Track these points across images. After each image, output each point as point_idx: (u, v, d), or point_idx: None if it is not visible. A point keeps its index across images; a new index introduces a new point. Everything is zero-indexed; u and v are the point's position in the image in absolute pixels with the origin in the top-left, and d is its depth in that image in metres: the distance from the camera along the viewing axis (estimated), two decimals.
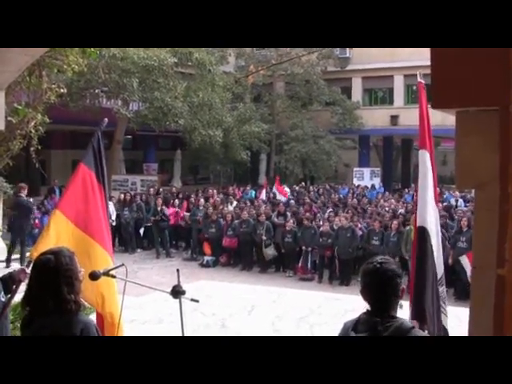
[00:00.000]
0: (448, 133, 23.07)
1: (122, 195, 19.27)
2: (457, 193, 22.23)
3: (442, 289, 4.94)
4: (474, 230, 2.65)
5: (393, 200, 21.61)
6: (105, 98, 23.53)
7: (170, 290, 4.04)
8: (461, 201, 21.18)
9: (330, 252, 14.79)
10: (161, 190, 21.71)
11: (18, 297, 4.05)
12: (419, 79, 5.11)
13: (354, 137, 33.84)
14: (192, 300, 4.10)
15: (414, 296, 4.58)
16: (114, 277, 4.15)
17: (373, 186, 28.28)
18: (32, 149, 10.03)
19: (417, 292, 4.60)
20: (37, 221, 18.10)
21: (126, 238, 18.34)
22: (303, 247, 15.16)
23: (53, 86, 9.87)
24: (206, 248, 16.90)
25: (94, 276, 3.87)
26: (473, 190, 2.77)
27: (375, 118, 32.17)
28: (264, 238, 15.71)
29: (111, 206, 17.66)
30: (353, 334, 3.14)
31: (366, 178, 30.87)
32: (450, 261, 13.14)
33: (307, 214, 16.55)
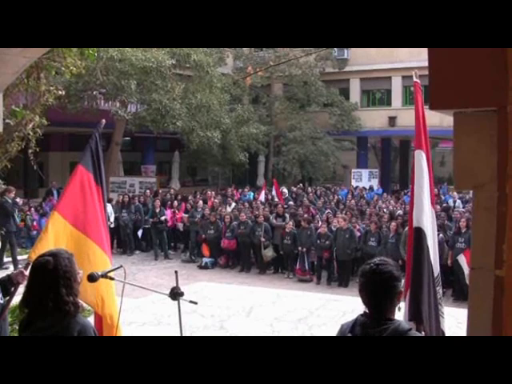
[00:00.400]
0: (446, 134, 23.18)
1: (121, 197, 19.26)
2: (455, 193, 22.24)
3: (439, 288, 4.93)
4: (472, 231, 2.65)
5: (392, 201, 21.62)
6: (103, 100, 23.52)
7: (168, 291, 4.04)
8: (459, 201, 21.18)
9: (328, 253, 14.80)
10: (160, 191, 21.68)
11: (17, 299, 4.05)
12: (415, 79, 5.10)
13: (352, 138, 33.85)
14: (190, 302, 4.11)
15: (411, 297, 4.57)
16: (112, 279, 4.15)
17: (371, 188, 28.29)
18: (30, 151, 10.02)
19: (413, 293, 4.59)
20: (35, 223, 18.09)
21: (125, 240, 18.34)
22: (299, 248, 15.15)
23: (51, 88, 9.87)
24: (205, 250, 16.90)
25: (92, 278, 3.86)
26: (471, 191, 2.77)
27: (373, 120, 32.18)
28: (262, 239, 15.72)
29: (110, 208, 17.65)
30: (349, 335, 3.15)
31: (364, 179, 30.86)
32: (449, 262, 13.14)
33: (305, 215, 16.56)
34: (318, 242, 14.83)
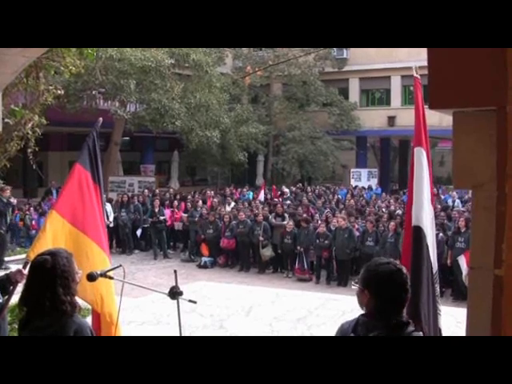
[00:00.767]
0: (445, 133, 23.18)
1: (120, 196, 19.25)
2: (454, 193, 22.25)
3: (436, 286, 4.92)
4: (472, 231, 2.65)
5: (392, 200, 21.63)
6: (102, 100, 23.54)
7: (167, 291, 4.04)
8: (458, 201, 21.19)
9: (328, 253, 14.80)
10: (157, 191, 21.68)
11: (16, 298, 4.05)
12: (415, 74, 5.06)
13: (352, 138, 33.85)
14: (190, 301, 4.11)
15: (409, 296, 4.55)
16: (111, 278, 4.15)
17: (369, 187, 28.30)
18: (29, 150, 10.03)
19: (412, 293, 4.58)
20: (34, 222, 18.09)
21: (124, 240, 18.34)
22: (298, 247, 15.15)
23: (50, 87, 9.87)
24: (204, 249, 16.90)
25: (91, 277, 3.87)
26: (470, 191, 2.77)
27: (372, 119, 32.19)
28: (261, 238, 15.72)
29: (109, 207, 17.65)
30: (352, 335, 3.12)
31: (364, 178, 30.87)
32: (448, 262, 13.13)
33: (304, 215, 16.57)
34: (318, 241, 14.83)
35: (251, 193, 25.18)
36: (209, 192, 22.56)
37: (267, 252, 15.80)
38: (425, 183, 4.79)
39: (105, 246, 5.31)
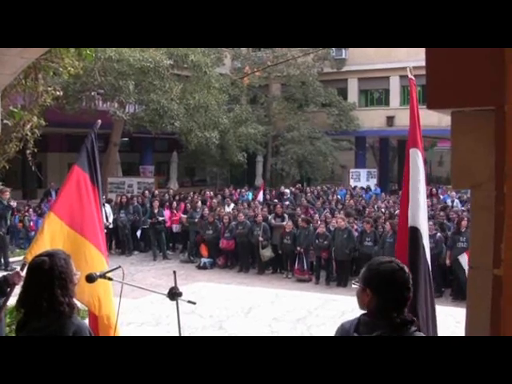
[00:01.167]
0: (444, 133, 23.18)
1: (119, 198, 19.25)
2: (453, 193, 22.26)
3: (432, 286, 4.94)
4: (471, 230, 2.65)
5: (391, 201, 21.63)
6: (101, 101, 23.52)
7: (167, 292, 4.04)
8: (457, 201, 21.20)
9: (327, 253, 14.80)
10: (156, 192, 21.68)
11: (15, 300, 4.05)
12: (410, 76, 5.07)
13: (351, 138, 33.85)
14: (189, 302, 4.10)
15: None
16: (110, 279, 4.15)
17: (368, 188, 28.30)
18: (28, 151, 10.01)
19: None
20: (32, 223, 18.08)
21: (123, 241, 18.33)
22: (298, 248, 15.14)
23: (49, 88, 9.87)
24: (203, 250, 16.89)
25: (90, 278, 3.86)
26: (469, 191, 2.77)
27: (371, 119, 32.20)
28: (261, 239, 15.71)
29: (108, 209, 17.65)
30: (355, 335, 3.11)
31: (363, 179, 30.88)
32: (447, 262, 13.12)
33: (303, 215, 16.57)
34: (317, 241, 14.83)
35: (250, 193, 25.18)
36: (208, 193, 22.55)
37: (267, 252, 15.79)
38: (421, 184, 4.80)
39: (103, 248, 5.31)
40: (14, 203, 15.43)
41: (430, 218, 15.15)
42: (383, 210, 18.53)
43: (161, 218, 17.83)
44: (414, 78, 5.06)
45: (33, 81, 9.33)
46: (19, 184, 26.37)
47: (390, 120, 31.63)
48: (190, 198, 20.70)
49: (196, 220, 17.52)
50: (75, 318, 3.32)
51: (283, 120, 31.97)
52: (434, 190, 24.10)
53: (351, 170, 32.25)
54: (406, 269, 3.07)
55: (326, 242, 14.72)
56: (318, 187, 27.21)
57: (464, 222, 13.11)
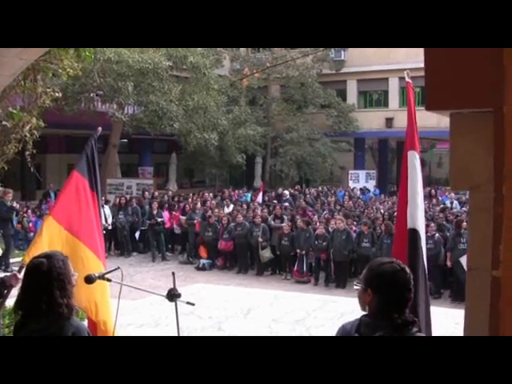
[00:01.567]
0: (443, 135, 23.18)
1: (118, 199, 19.24)
2: (452, 194, 22.27)
3: (428, 284, 4.96)
4: (469, 232, 2.65)
5: (390, 202, 21.64)
6: (100, 102, 23.50)
7: (165, 293, 4.04)
8: (456, 202, 21.21)
9: (326, 255, 14.80)
10: (156, 193, 21.68)
11: (11, 302, 4.05)
12: (407, 79, 5.08)
13: (350, 139, 33.85)
14: (188, 303, 4.11)
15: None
16: (109, 280, 4.14)
17: (365, 189, 28.30)
18: (27, 153, 10.01)
19: None
20: (31, 224, 18.07)
21: (122, 242, 18.33)
22: (298, 250, 15.14)
23: (48, 89, 9.86)
24: (202, 251, 16.89)
25: (89, 279, 3.86)
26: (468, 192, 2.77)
27: (370, 121, 32.19)
28: (260, 239, 15.71)
29: (107, 210, 17.65)
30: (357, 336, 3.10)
31: (362, 180, 30.88)
32: (448, 263, 13.10)
33: (301, 217, 16.57)
34: (316, 243, 14.83)
35: (249, 194, 25.19)
36: (206, 194, 22.55)
37: (266, 253, 15.79)
38: (419, 186, 4.83)
39: (100, 254, 5.31)
40: (16, 205, 15.47)
41: (430, 219, 15.18)
42: (382, 211, 18.53)
43: (160, 220, 17.83)
44: (411, 81, 5.08)
45: (32, 82, 9.33)
46: (18, 185, 26.32)
47: (389, 121, 31.62)
48: (190, 199, 20.68)
49: (195, 221, 17.52)
50: (74, 320, 3.31)
51: (282, 121, 31.97)
52: (433, 191, 24.11)
53: (350, 172, 32.24)
54: (408, 269, 3.07)
55: (324, 243, 14.72)
56: (319, 188, 27.22)
57: (465, 224, 13.10)
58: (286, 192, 23.98)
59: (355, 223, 16.10)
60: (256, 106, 32.61)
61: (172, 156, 30.11)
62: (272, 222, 16.53)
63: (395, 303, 3.00)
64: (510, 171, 2.20)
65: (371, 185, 30.19)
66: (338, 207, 20.01)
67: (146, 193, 21.36)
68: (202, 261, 16.61)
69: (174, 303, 4.02)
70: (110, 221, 17.83)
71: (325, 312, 10.51)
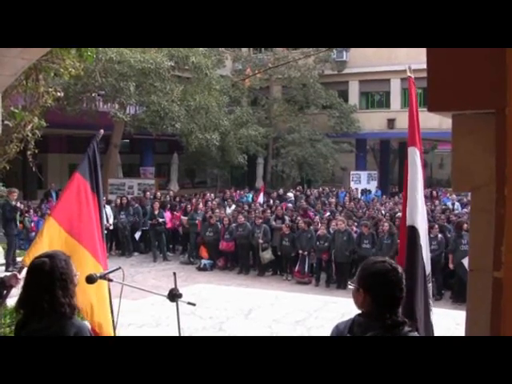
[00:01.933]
0: (445, 136, 23.17)
1: (119, 199, 19.25)
2: (453, 195, 22.25)
3: (430, 285, 4.91)
4: (470, 233, 2.65)
5: (391, 203, 21.63)
6: (101, 102, 23.53)
7: (167, 293, 4.04)
8: (457, 204, 21.19)
9: (327, 255, 14.79)
10: (158, 194, 21.68)
11: (12, 302, 4.05)
12: (409, 73, 5.03)
13: (351, 140, 33.87)
14: (189, 303, 4.10)
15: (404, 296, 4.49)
16: (110, 280, 4.15)
17: (366, 190, 28.28)
18: (29, 152, 10.03)
19: (407, 291, 4.53)
20: (32, 224, 18.08)
21: (123, 242, 18.34)
22: (300, 251, 15.14)
23: (50, 89, 9.88)
24: (203, 252, 16.88)
25: (90, 279, 3.86)
26: (469, 193, 2.77)
27: (372, 122, 32.19)
28: (261, 241, 15.71)
29: (109, 210, 17.65)
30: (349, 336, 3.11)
31: (363, 181, 30.88)
32: (450, 265, 13.07)
33: (302, 217, 16.56)
34: (318, 243, 14.83)
35: (250, 195, 25.18)
36: (208, 194, 22.55)
37: (267, 255, 15.78)
38: (419, 183, 4.76)
39: (100, 257, 5.31)
40: (20, 205, 15.51)
41: (432, 220, 15.18)
42: (383, 212, 18.53)
43: (161, 220, 17.83)
44: (413, 76, 5.03)
45: (34, 82, 9.35)
46: (19, 185, 26.33)
47: (391, 122, 31.62)
48: (194, 200, 20.67)
49: (197, 221, 17.52)
50: (76, 320, 3.32)
51: (284, 122, 31.99)
52: (434, 192, 24.09)
53: (352, 172, 32.23)
54: (400, 269, 3.05)
55: (326, 244, 14.72)
56: (320, 188, 27.21)
57: (465, 225, 13.08)
58: (290, 194, 23.95)
59: (356, 224, 16.09)
60: (258, 107, 32.63)
61: (173, 156, 30.13)
62: (273, 223, 16.53)
63: (386, 302, 2.99)
64: None
65: (373, 186, 30.20)
66: (340, 208, 20.02)
67: (148, 193, 21.37)
68: (203, 261, 16.60)
69: (175, 303, 4.02)
70: (111, 221, 17.83)
71: (326, 312, 10.50)
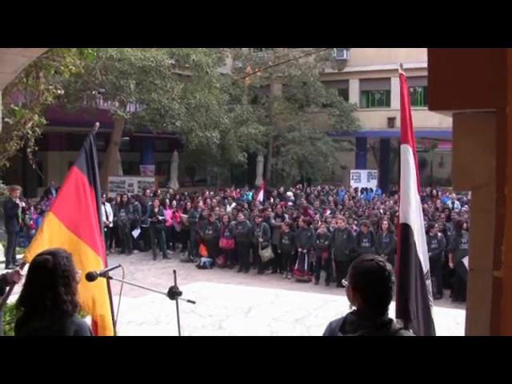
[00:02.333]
0: (445, 135, 23.19)
1: (119, 197, 19.25)
2: (453, 194, 22.26)
3: (428, 282, 4.89)
4: (470, 232, 2.65)
5: (391, 202, 21.64)
6: (102, 100, 23.53)
7: (166, 291, 4.04)
8: (457, 203, 21.20)
9: (327, 254, 14.80)
10: (159, 191, 21.69)
11: (13, 299, 4.05)
12: (400, 71, 4.98)
13: (351, 139, 33.88)
14: (189, 301, 4.10)
15: (398, 294, 4.45)
16: (110, 278, 4.15)
17: (368, 189, 28.27)
18: (29, 150, 10.02)
19: (401, 290, 4.50)
20: (32, 222, 18.09)
21: (123, 240, 18.34)
22: (299, 249, 15.14)
23: (50, 87, 9.87)
24: (202, 249, 16.89)
25: (90, 277, 3.87)
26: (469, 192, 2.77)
27: (372, 120, 32.21)
28: (260, 239, 15.71)
29: (108, 208, 17.65)
30: (340, 334, 3.12)
31: (363, 179, 30.90)
32: (450, 265, 13.08)
33: (302, 216, 16.57)
34: (318, 242, 14.83)
35: (250, 193, 25.18)
36: (207, 192, 22.55)
37: (266, 253, 15.79)
38: (411, 180, 4.72)
39: (100, 251, 5.30)
40: (22, 203, 15.53)
41: (432, 219, 15.20)
42: (382, 210, 18.54)
43: (161, 217, 17.83)
44: (404, 73, 4.98)
45: (34, 79, 9.33)
46: (19, 182, 26.26)
47: (391, 121, 31.61)
48: (199, 197, 20.67)
49: (196, 219, 17.52)
50: (76, 317, 3.33)
51: (284, 120, 32.00)
52: (434, 191, 24.10)
53: (352, 171, 32.26)
54: (388, 267, 3.05)
55: (326, 243, 14.73)
56: (318, 187, 27.22)
57: (465, 224, 13.09)
58: (290, 193, 23.96)
59: (356, 222, 16.10)
60: (258, 105, 32.64)
61: (173, 154, 30.13)
62: (273, 221, 16.53)
63: (374, 300, 3.00)
64: None
65: (373, 184, 30.21)
66: (340, 207, 20.02)
67: (148, 191, 21.37)
68: (203, 259, 16.61)
69: (174, 301, 4.02)
70: (111, 218, 17.83)
71: (325, 311, 10.50)
